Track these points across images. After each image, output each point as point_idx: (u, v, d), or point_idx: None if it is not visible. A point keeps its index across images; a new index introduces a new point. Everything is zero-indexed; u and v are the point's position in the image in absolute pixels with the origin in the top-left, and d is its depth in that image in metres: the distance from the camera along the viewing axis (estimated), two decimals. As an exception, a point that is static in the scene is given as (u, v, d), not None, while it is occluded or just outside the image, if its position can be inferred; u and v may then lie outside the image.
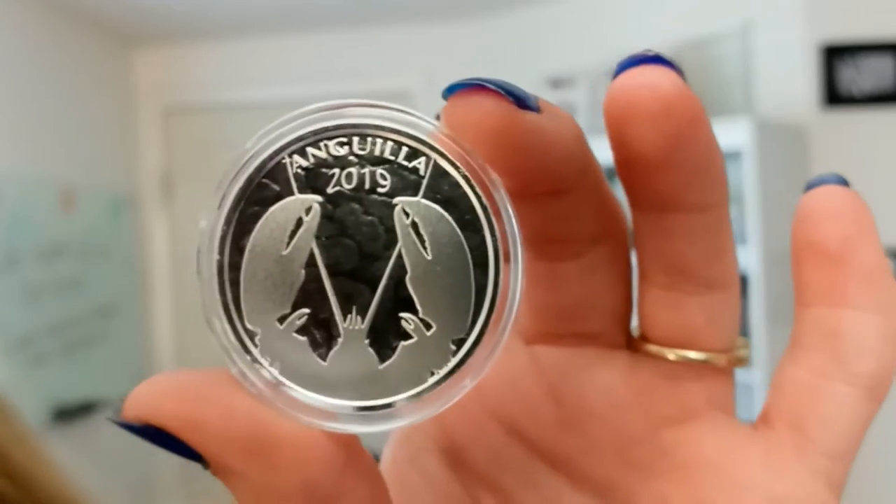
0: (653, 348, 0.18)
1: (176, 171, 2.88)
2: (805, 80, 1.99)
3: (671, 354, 0.18)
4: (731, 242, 0.17)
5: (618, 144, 0.16)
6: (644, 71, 0.15)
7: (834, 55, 1.97)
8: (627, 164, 0.16)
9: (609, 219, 0.18)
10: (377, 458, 0.22)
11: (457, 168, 0.16)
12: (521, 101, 0.15)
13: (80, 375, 2.39)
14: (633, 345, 0.19)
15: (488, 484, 0.20)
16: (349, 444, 0.16)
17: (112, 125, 2.76)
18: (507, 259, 0.16)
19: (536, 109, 0.15)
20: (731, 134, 1.80)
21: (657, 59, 0.15)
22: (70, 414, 2.26)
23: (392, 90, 2.68)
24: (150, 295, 2.85)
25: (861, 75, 1.97)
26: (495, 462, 0.20)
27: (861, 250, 0.17)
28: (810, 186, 0.18)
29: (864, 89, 1.98)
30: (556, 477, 0.19)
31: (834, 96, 1.98)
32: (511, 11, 2.56)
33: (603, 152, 0.17)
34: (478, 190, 0.16)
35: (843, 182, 0.18)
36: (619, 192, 0.18)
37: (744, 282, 1.77)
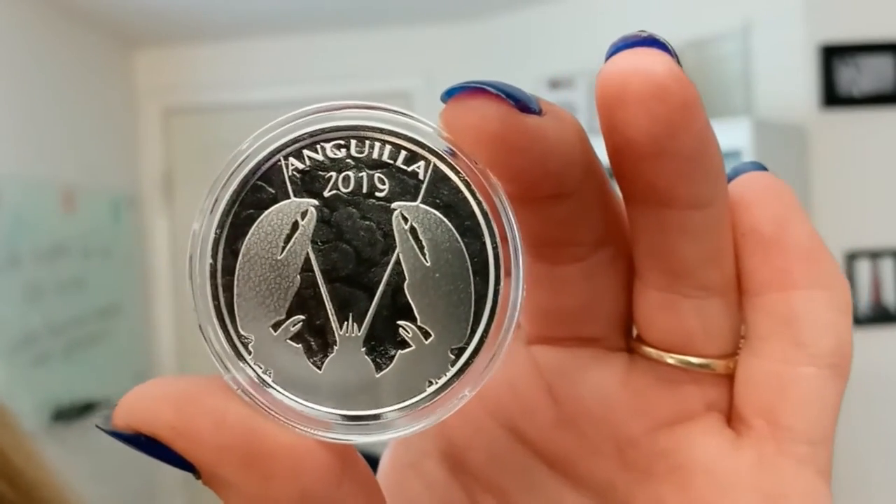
0: (652, 352, 0.18)
1: (177, 172, 2.87)
2: (805, 80, 1.99)
3: (670, 359, 0.18)
4: (731, 245, 0.17)
5: (609, 131, 0.15)
6: (637, 53, 0.14)
7: (833, 55, 1.97)
8: (619, 153, 0.15)
9: (612, 222, 0.17)
10: (377, 461, 0.21)
11: (457, 172, 0.15)
12: (521, 103, 0.14)
13: (81, 375, 2.39)
14: (631, 347, 0.19)
15: (488, 486, 0.20)
16: (345, 454, 0.15)
17: (113, 126, 2.75)
18: (507, 266, 0.15)
19: (538, 112, 0.15)
20: (730, 134, 1.79)
21: (651, 42, 0.14)
22: (71, 414, 2.25)
23: (392, 91, 2.68)
24: (150, 295, 2.85)
25: (861, 75, 1.97)
26: (495, 463, 0.19)
27: (794, 229, 0.17)
28: (730, 178, 0.17)
29: (864, 89, 1.98)
30: (555, 478, 0.19)
31: (833, 96, 1.97)
32: (510, 12, 2.56)
33: (604, 153, 0.17)
34: (478, 195, 0.15)
35: (762, 168, 0.18)
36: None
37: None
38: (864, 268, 1.97)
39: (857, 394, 1.98)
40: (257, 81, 2.79)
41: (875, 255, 1.97)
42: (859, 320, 1.96)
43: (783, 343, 0.17)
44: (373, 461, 0.21)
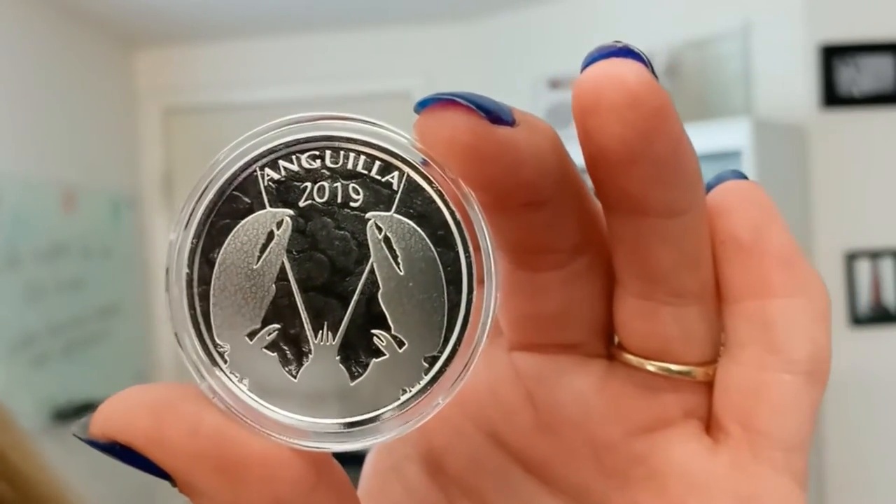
0: (632, 359, 0.18)
1: (177, 172, 2.88)
2: (804, 80, 1.99)
3: (650, 366, 0.18)
4: (709, 252, 0.17)
5: (584, 140, 0.15)
6: (611, 63, 0.14)
7: (833, 55, 1.97)
8: (594, 161, 0.15)
9: (590, 229, 0.17)
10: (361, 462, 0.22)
11: (430, 183, 0.15)
12: (493, 114, 0.15)
13: (82, 375, 2.39)
14: (612, 352, 0.19)
15: (467, 490, 0.20)
16: (320, 461, 0.16)
17: (113, 126, 2.76)
18: (480, 275, 0.15)
19: (511, 122, 0.15)
20: (730, 134, 1.79)
21: (624, 52, 0.15)
22: (71, 414, 2.26)
23: (391, 91, 2.68)
24: (150, 295, 2.85)
25: (860, 75, 1.97)
26: (474, 467, 0.20)
27: (772, 237, 0.17)
28: (710, 187, 0.18)
29: (864, 89, 1.98)
30: (533, 482, 0.19)
31: (833, 96, 1.98)
32: (510, 12, 2.56)
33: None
34: (451, 205, 0.15)
35: (742, 176, 0.18)
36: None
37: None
38: (864, 268, 1.97)
39: (857, 394, 1.97)
40: (257, 81, 2.80)
41: (875, 255, 1.97)
42: (859, 320, 1.96)
43: (760, 350, 0.17)
44: (359, 460, 0.21)
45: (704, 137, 1.71)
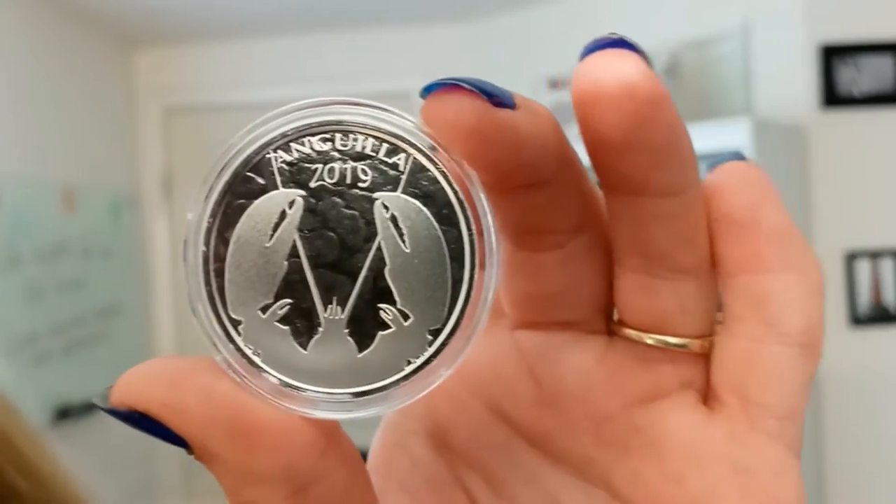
0: (632, 333, 0.19)
1: (177, 172, 2.88)
2: (804, 80, 1.99)
3: (649, 339, 0.18)
4: (704, 229, 0.18)
5: (584, 128, 0.16)
6: (607, 55, 0.15)
7: (833, 55, 1.97)
8: (594, 148, 0.16)
9: (589, 209, 0.18)
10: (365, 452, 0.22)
11: (435, 164, 0.16)
12: (495, 98, 0.15)
13: (82, 375, 2.40)
14: (612, 329, 0.19)
15: (472, 463, 0.20)
16: (329, 430, 0.16)
17: (113, 126, 2.76)
18: (482, 253, 0.16)
19: (512, 106, 0.16)
20: (730, 134, 1.80)
21: (621, 43, 0.15)
22: (72, 413, 2.26)
23: (391, 91, 2.67)
24: (151, 294, 2.86)
25: (860, 75, 1.97)
26: (478, 442, 0.20)
27: (767, 215, 0.18)
28: (711, 166, 0.18)
29: (864, 89, 1.98)
30: (536, 455, 0.20)
31: (833, 96, 1.98)
32: (510, 12, 2.57)
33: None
34: (455, 185, 0.16)
35: (740, 157, 0.19)
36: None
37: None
38: (864, 268, 1.97)
39: (857, 394, 1.97)
40: (257, 81, 2.80)
41: (875, 255, 1.97)
42: (859, 320, 1.96)
43: (755, 323, 0.18)
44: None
45: (704, 137, 1.70)
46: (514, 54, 2.55)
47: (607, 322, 0.20)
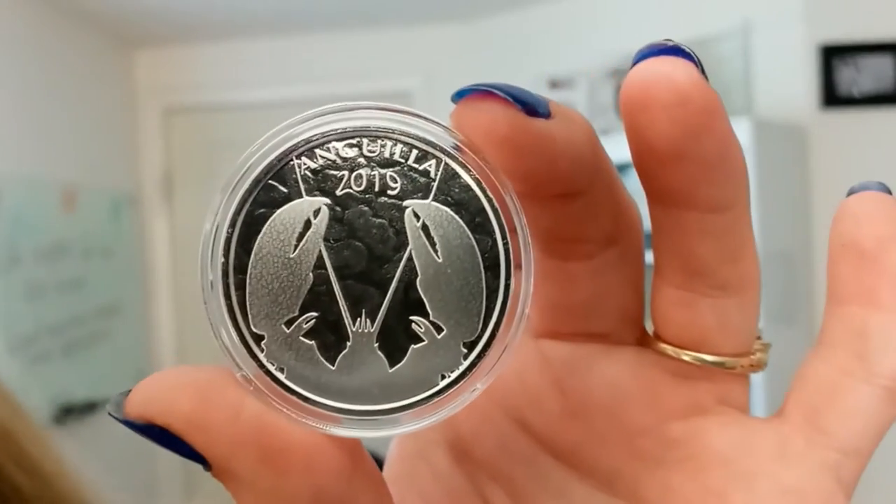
0: (668, 349, 0.18)
1: (177, 171, 2.87)
2: (804, 80, 1.99)
3: (686, 356, 0.18)
4: (752, 245, 0.17)
5: (632, 135, 0.15)
6: (660, 61, 0.15)
7: (833, 55, 1.97)
8: (641, 156, 0.16)
9: (622, 221, 0.18)
10: (381, 462, 0.22)
11: (467, 170, 0.15)
12: (530, 107, 0.15)
13: (82, 375, 2.39)
14: (646, 342, 0.19)
15: (495, 476, 0.20)
16: (354, 450, 0.16)
17: (113, 125, 2.76)
18: (517, 262, 0.15)
19: (546, 115, 0.15)
20: (731, 134, 1.79)
21: (675, 50, 0.15)
22: (72, 413, 2.25)
23: (392, 91, 2.68)
24: (150, 295, 2.85)
25: (860, 75, 1.97)
26: (501, 454, 0.20)
27: (894, 253, 0.17)
28: (853, 191, 0.18)
29: (864, 89, 1.98)
30: (562, 468, 0.19)
31: (833, 96, 1.98)
32: (510, 12, 2.56)
33: (611, 151, 0.17)
34: (489, 193, 0.15)
35: (886, 190, 0.18)
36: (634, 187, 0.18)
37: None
38: (863, 268, 1.97)
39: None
40: (257, 81, 2.79)
41: (875, 255, 1.96)
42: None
43: (849, 354, 0.17)
44: (377, 461, 0.21)
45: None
46: (514, 54, 2.55)
47: (635, 333, 0.19)
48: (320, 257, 0.15)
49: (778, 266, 1.79)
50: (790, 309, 1.82)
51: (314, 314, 0.15)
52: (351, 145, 0.15)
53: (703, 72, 0.15)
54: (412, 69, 2.71)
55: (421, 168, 0.15)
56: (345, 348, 0.15)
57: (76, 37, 2.55)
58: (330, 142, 0.15)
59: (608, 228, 0.17)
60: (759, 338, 0.19)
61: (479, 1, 2.52)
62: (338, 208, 0.15)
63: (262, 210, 0.15)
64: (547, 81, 2.29)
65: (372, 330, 0.15)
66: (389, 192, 0.15)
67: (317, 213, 0.15)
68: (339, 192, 0.15)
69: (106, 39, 2.70)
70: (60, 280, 2.36)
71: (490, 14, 2.60)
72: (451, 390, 0.15)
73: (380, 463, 0.21)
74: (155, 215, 2.86)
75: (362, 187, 0.15)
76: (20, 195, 2.20)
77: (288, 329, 0.15)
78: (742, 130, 1.79)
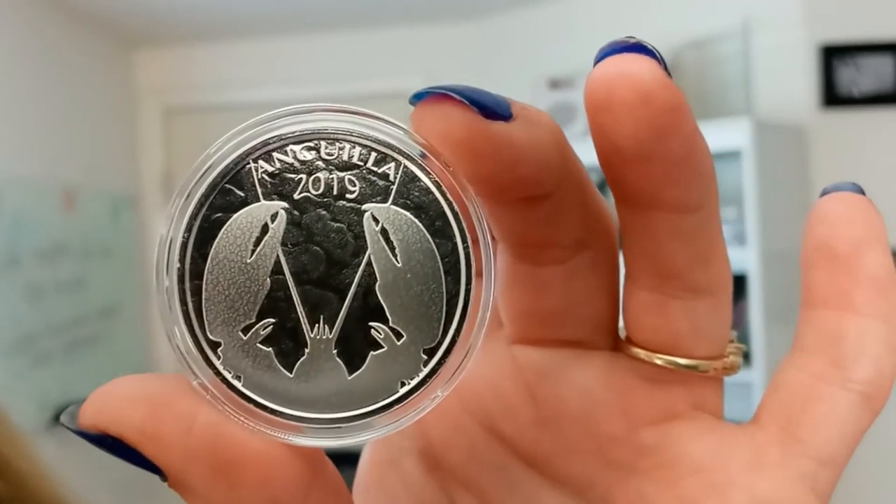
0: (641, 353, 0.18)
1: (177, 172, 2.87)
2: (804, 80, 1.99)
3: (658, 360, 0.18)
4: (722, 247, 0.17)
5: (597, 136, 0.15)
6: (623, 59, 0.14)
7: (833, 55, 1.96)
8: (607, 157, 0.15)
9: (594, 224, 0.17)
10: (356, 458, 0.21)
11: (427, 174, 0.15)
12: (488, 110, 0.14)
13: (82, 375, 2.39)
14: (619, 346, 0.19)
15: (466, 484, 0.20)
16: (314, 459, 0.15)
17: (113, 125, 2.76)
18: (478, 266, 0.15)
19: (507, 117, 0.15)
20: (730, 134, 1.79)
21: (638, 48, 0.14)
22: (70, 414, 2.25)
23: (391, 91, 2.67)
24: (150, 295, 2.84)
25: (860, 75, 1.96)
26: (473, 462, 0.19)
27: (869, 257, 0.17)
28: (826, 192, 0.17)
29: (864, 89, 1.97)
30: (534, 476, 0.19)
31: (833, 96, 1.97)
32: (510, 12, 2.56)
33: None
34: (448, 196, 0.15)
35: (859, 190, 0.17)
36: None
37: (742, 281, 1.76)
38: (864, 268, 1.96)
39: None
40: (258, 82, 2.79)
41: (875, 255, 1.96)
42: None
43: (823, 360, 0.17)
44: (353, 458, 0.21)
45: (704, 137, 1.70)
46: (514, 54, 2.54)
47: (609, 338, 0.19)
48: (278, 262, 0.15)
49: (778, 266, 1.79)
50: (790, 309, 1.81)
51: (272, 320, 0.15)
52: (309, 148, 0.15)
53: (666, 69, 0.14)
54: (412, 69, 2.71)
55: (380, 171, 0.15)
56: (303, 355, 0.15)
57: (76, 37, 2.55)
58: (287, 145, 0.15)
59: (578, 232, 0.17)
60: (731, 341, 0.18)
61: (479, 1, 2.52)
62: (296, 212, 0.15)
63: (218, 214, 0.15)
64: (547, 81, 2.28)
65: (331, 336, 0.15)
66: (348, 195, 0.15)
67: (274, 217, 0.15)
68: (296, 196, 0.15)
69: (106, 39, 2.70)
70: (60, 280, 2.36)
71: (490, 14, 2.60)
72: (412, 397, 0.15)
73: (354, 460, 0.21)
74: (155, 216, 2.86)
75: (320, 191, 0.15)
76: (20, 195, 2.20)
77: (245, 336, 0.15)
78: (742, 130, 1.79)
